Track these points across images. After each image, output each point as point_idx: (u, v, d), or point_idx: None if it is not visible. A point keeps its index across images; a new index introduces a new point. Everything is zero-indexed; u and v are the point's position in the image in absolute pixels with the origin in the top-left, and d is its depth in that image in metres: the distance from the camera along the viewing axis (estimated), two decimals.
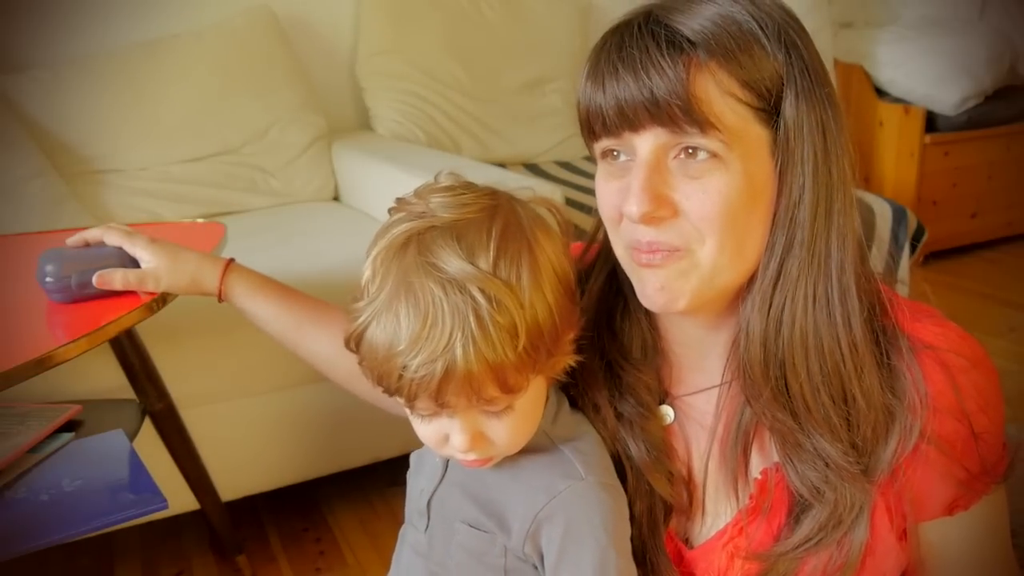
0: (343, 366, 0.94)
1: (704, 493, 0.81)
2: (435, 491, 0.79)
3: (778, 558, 0.74)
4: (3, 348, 0.97)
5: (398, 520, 0.86)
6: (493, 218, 0.69)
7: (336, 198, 2.43)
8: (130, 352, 1.47)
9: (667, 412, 0.82)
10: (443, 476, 0.79)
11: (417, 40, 2.61)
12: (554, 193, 1.91)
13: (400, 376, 0.66)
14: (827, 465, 0.72)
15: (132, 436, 1.30)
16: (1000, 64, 3.26)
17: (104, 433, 1.26)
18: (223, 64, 2.29)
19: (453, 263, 0.65)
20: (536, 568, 0.74)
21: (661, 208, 0.69)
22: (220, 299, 1.00)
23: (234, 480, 1.73)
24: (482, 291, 0.64)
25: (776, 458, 0.76)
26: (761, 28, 0.69)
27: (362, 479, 1.93)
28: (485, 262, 0.65)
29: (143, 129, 2.18)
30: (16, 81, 2.11)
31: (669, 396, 0.83)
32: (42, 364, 0.94)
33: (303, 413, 1.77)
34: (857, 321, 0.72)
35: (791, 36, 0.70)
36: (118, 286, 1.00)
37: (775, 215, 0.71)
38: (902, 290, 2.15)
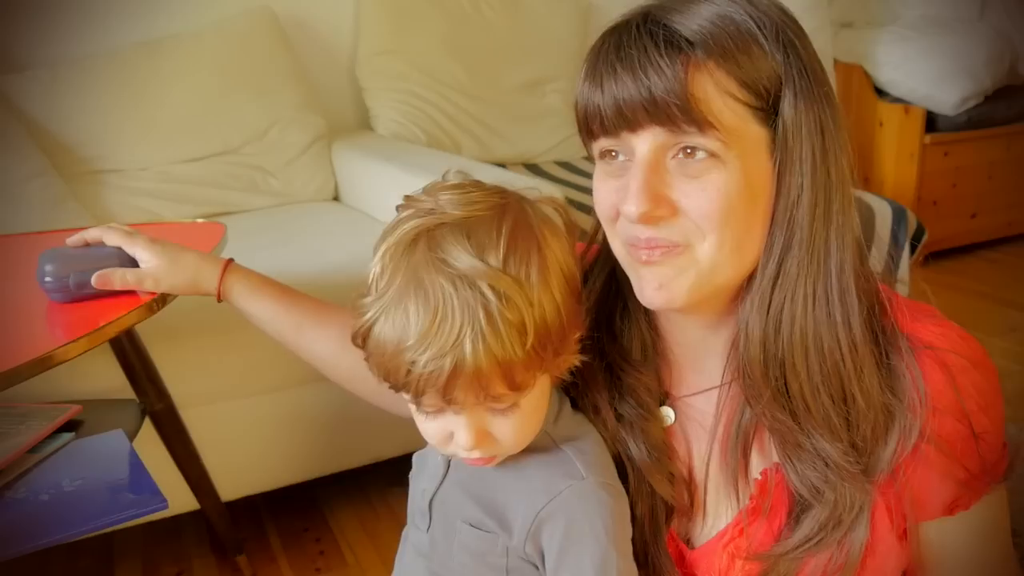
0: (344, 366, 0.94)
1: (705, 494, 0.81)
2: (437, 491, 0.79)
3: (778, 558, 0.74)
4: (3, 348, 0.97)
5: (398, 520, 0.86)
6: (503, 216, 0.69)
7: (336, 198, 2.43)
8: (130, 352, 1.47)
9: (667, 413, 0.82)
10: (445, 476, 0.79)
11: (417, 40, 2.61)
12: (554, 193, 1.91)
13: (408, 372, 0.66)
14: (827, 465, 0.72)
15: (132, 436, 1.30)
16: (1000, 64, 3.26)
17: (104, 433, 1.26)
18: (223, 64, 2.29)
19: (463, 259, 0.65)
20: (537, 568, 0.74)
21: (659, 208, 0.69)
22: (219, 299, 1.00)
23: (234, 480, 1.73)
24: (492, 287, 0.64)
25: (776, 458, 0.76)
26: (759, 28, 0.69)
27: (362, 479, 1.93)
28: (495, 259, 0.66)
29: (143, 129, 2.18)
30: (16, 81, 2.11)
31: (669, 397, 0.83)
32: (42, 364, 0.94)
33: (303, 413, 1.77)
34: (857, 321, 0.72)
35: (789, 36, 0.70)
36: (117, 286, 1.00)
37: (774, 214, 0.72)
38: (902, 290, 2.15)
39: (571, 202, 2.25)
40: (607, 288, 0.83)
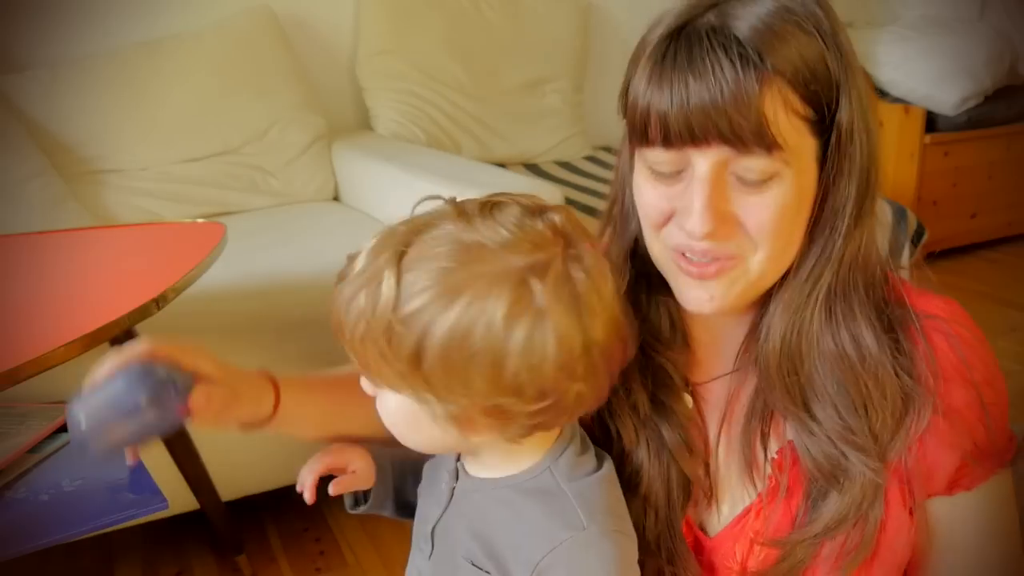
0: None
1: (721, 480, 0.81)
2: (440, 519, 0.78)
3: (796, 545, 0.75)
4: (3, 348, 0.97)
5: (398, 520, 0.86)
6: (521, 251, 0.63)
7: (336, 198, 2.43)
8: None
9: (686, 399, 0.83)
10: (448, 505, 0.77)
11: (417, 40, 2.61)
12: (554, 193, 1.91)
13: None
14: (844, 455, 0.73)
15: None
16: (1000, 64, 3.26)
17: None
18: (223, 64, 2.29)
19: (413, 246, 0.65)
20: None
21: (724, 226, 0.69)
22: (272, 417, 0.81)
23: (234, 480, 1.73)
24: (387, 269, 0.65)
25: (790, 436, 0.77)
26: (822, 37, 0.68)
27: None
28: (415, 257, 0.65)
29: (143, 129, 2.18)
30: (16, 81, 2.11)
31: (688, 383, 0.83)
32: (42, 364, 0.94)
33: None
34: (874, 318, 0.73)
35: (840, 39, 0.69)
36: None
37: (818, 220, 0.72)
38: None
39: (571, 202, 2.26)
40: (627, 273, 0.82)
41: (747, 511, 0.78)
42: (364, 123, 2.64)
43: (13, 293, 1.18)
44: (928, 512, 0.78)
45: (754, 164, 0.67)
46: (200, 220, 1.87)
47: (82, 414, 0.69)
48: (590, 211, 2.24)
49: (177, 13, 2.35)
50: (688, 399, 0.82)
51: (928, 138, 3.16)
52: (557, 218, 0.67)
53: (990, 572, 0.78)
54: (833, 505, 0.73)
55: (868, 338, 0.73)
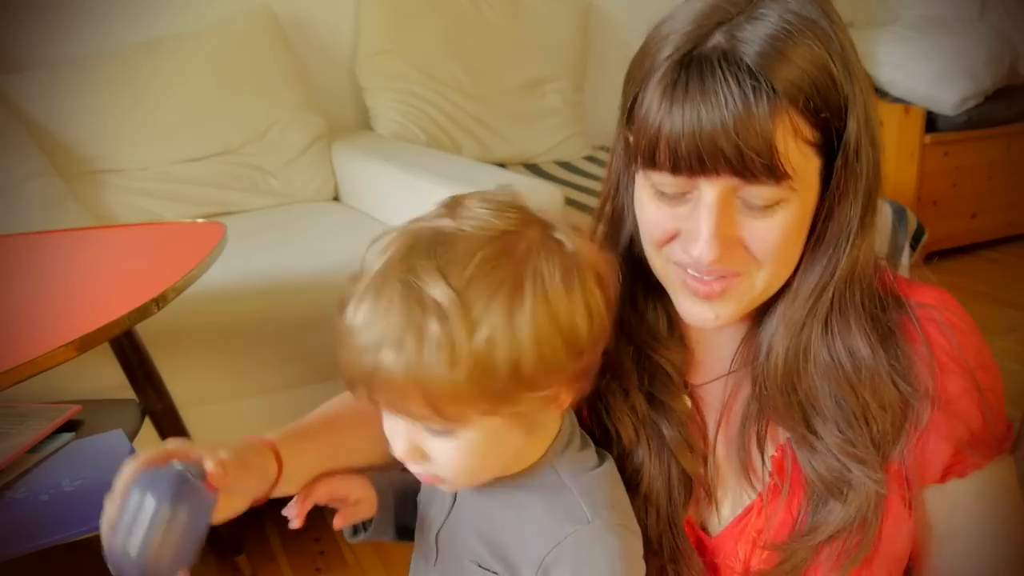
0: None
1: (721, 480, 0.81)
2: (443, 525, 0.77)
3: (797, 549, 0.75)
4: (3, 348, 0.97)
5: (399, 543, 0.85)
6: (495, 241, 0.65)
7: (336, 198, 2.43)
8: (130, 352, 1.47)
9: (685, 399, 0.83)
10: (451, 510, 0.77)
11: (417, 40, 2.61)
12: (554, 194, 1.91)
13: (346, 354, 0.64)
14: (846, 468, 0.73)
15: (132, 436, 1.31)
16: (1000, 64, 3.26)
17: (104, 433, 1.27)
18: (223, 64, 2.29)
19: (426, 271, 0.63)
20: None
21: (730, 251, 0.69)
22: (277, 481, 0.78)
23: None
24: (437, 305, 0.61)
25: (783, 441, 0.77)
26: (828, 51, 0.67)
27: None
28: (457, 279, 0.62)
29: (143, 129, 2.18)
30: (16, 81, 2.11)
31: (687, 384, 0.83)
32: (42, 364, 0.94)
33: (303, 413, 1.76)
34: (869, 327, 0.73)
35: (848, 53, 0.69)
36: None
37: (821, 238, 0.72)
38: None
39: (571, 202, 2.25)
40: (624, 272, 0.82)
41: (748, 511, 0.79)
42: (364, 123, 2.64)
43: (13, 293, 1.18)
44: (925, 501, 0.78)
45: (762, 192, 0.67)
46: (200, 220, 1.87)
47: (122, 544, 0.63)
48: (590, 211, 2.23)
49: (177, 13, 2.35)
50: (686, 399, 0.82)
51: (928, 138, 3.16)
52: (503, 197, 0.69)
53: (993, 560, 0.77)
54: (835, 514, 0.74)
55: (863, 350, 0.73)
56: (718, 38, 0.66)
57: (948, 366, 0.74)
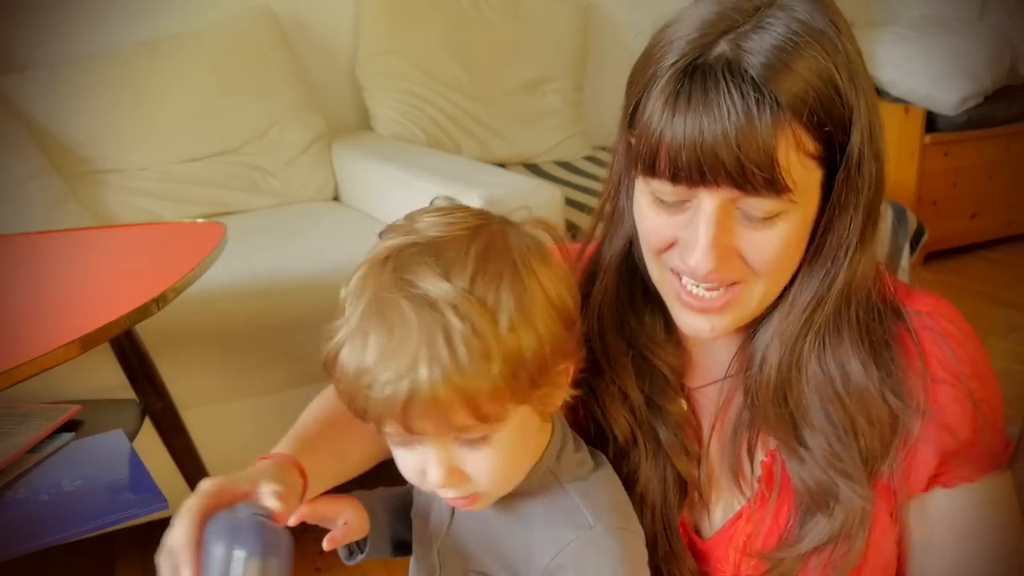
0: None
1: (713, 483, 0.81)
2: (443, 539, 0.77)
3: (783, 560, 0.75)
4: (3, 348, 0.97)
5: (396, 558, 0.85)
6: (475, 237, 0.65)
7: (336, 198, 2.43)
8: (130, 352, 1.47)
9: (681, 402, 0.83)
10: (450, 523, 0.76)
11: (417, 40, 2.61)
12: (554, 194, 1.91)
13: (366, 397, 0.62)
14: (834, 482, 0.73)
15: (132, 436, 1.31)
16: (1000, 64, 3.26)
17: (104, 433, 1.27)
18: (223, 64, 2.29)
19: (427, 280, 0.62)
20: None
21: (726, 259, 0.69)
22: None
23: None
24: (455, 309, 0.60)
25: (773, 446, 0.77)
26: (834, 61, 0.66)
27: (362, 480, 1.92)
28: (462, 280, 0.62)
29: (143, 129, 2.18)
30: (16, 81, 2.11)
31: (684, 388, 0.83)
32: (42, 364, 0.94)
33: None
34: (863, 340, 0.73)
35: (855, 65, 0.68)
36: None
37: (819, 250, 0.71)
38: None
39: (571, 202, 2.25)
40: (623, 273, 0.82)
41: (738, 516, 0.79)
42: (364, 123, 2.64)
43: (13, 293, 1.18)
44: (910, 510, 0.77)
45: (762, 204, 0.67)
46: (200, 220, 1.86)
47: None
48: (590, 211, 2.23)
49: (177, 13, 2.35)
50: (683, 402, 0.82)
51: (928, 138, 3.16)
52: (442, 203, 0.70)
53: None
54: (821, 526, 0.73)
55: (854, 364, 0.72)
56: (723, 47, 0.65)
57: (939, 374, 0.73)
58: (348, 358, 0.63)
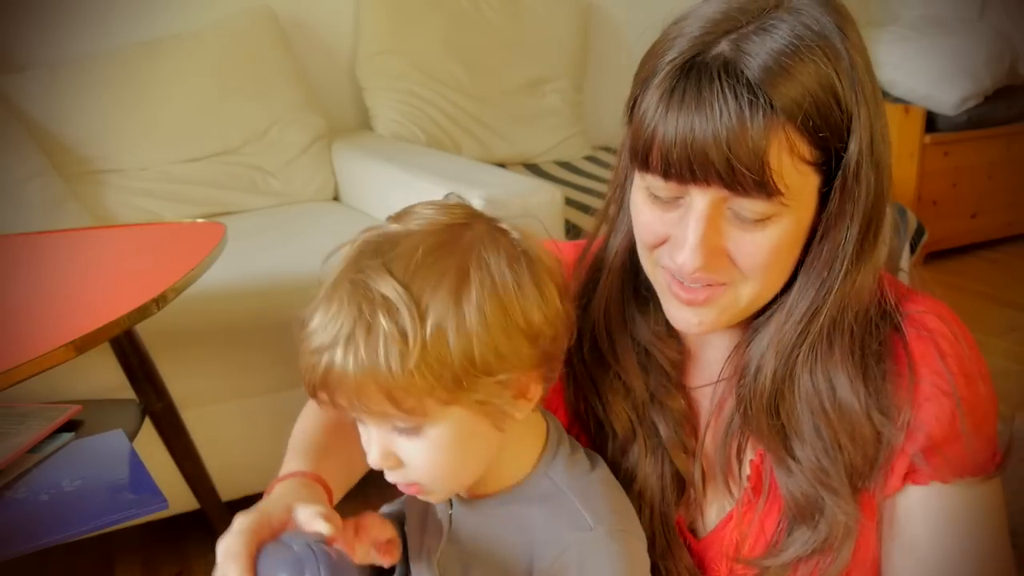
0: None
1: (708, 483, 0.81)
2: (441, 549, 0.76)
3: (768, 566, 0.75)
4: (3, 348, 0.97)
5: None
6: (439, 234, 0.66)
7: (336, 198, 2.43)
8: (130, 352, 1.47)
9: (680, 400, 0.83)
10: (448, 533, 0.76)
11: (417, 40, 2.61)
12: (554, 194, 1.91)
13: (303, 361, 0.65)
14: (820, 496, 0.72)
15: (132, 436, 1.31)
16: (1000, 64, 3.27)
17: (104, 433, 1.27)
18: (223, 64, 2.29)
19: (373, 270, 0.64)
20: None
21: (715, 259, 0.69)
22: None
23: (234, 480, 1.73)
24: (384, 299, 0.62)
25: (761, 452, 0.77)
26: (836, 69, 0.66)
27: (361, 480, 1.92)
28: (402, 275, 0.63)
29: (143, 129, 2.18)
30: (16, 81, 2.11)
31: (683, 385, 0.83)
32: (42, 364, 0.94)
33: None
34: (855, 355, 0.72)
35: (859, 74, 0.67)
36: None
37: (816, 258, 0.71)
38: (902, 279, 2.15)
39: (571, 202, 2.25)
40: (628, 270, 0.81)
41: (729, 517, 0.79)
42: (364, 123, 2.64)
43: (13, 293, 1.18)
44: (884, 509, 0.76)
45: (753, 206, 0.66)
46: (200, 220, 1.87)
47: None
48: (590, 211, 2.24)
49: (177, 13, 2.35)
50: (682, 399, 0.82)
51: (928, 138, 3.16)
52: (450, 200, 0.72)
53: None
54: (805, 537, 0.73)
55: (841, 379, 0.71)
56: (723, 47, 0.65)
57: (922, 372, 0.72)
58: (301, 326, 0.66)
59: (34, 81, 2.12)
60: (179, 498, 1.62)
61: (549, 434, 0.75)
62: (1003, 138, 3.32)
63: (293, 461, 0.77)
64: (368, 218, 2.18)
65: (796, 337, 0.72)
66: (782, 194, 0.65)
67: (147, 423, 1.49)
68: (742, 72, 0.64)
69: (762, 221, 0.67)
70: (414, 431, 0.66)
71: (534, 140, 2.78)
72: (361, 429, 0.70)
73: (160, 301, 1.07)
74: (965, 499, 0.74)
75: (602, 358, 0.81)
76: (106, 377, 1.51)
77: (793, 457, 0.73)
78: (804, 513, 0.73)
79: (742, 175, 0.64)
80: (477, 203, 1.60)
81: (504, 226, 0.70)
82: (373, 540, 0.74)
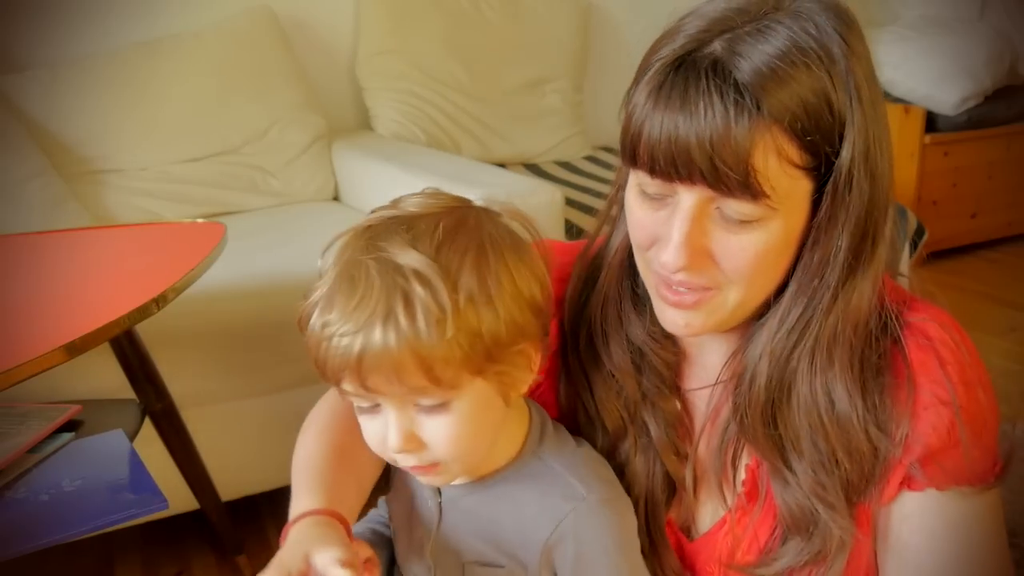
0: None
1: (702, 486, 0.81)
2: (434, 538, 0.77)
3: (761, 575, 0.75)
4: (3, 348, 0.97)
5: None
6: (448, 215, 0.69)
7: (336, 198, 2.43)
8: (130, 352, 1.47)
9: (675, 402, 0.83)
10: (439, 521, 0.77)
11: (417, 40, 2.61)
12: (554, 194, 1.91)
13: (326, 349, 0.65)
14: (816, 509, 0.72)
15: (132, 436, 1.31)
16: (1000, 64, 3.26)
17: (104, 433, 1.27)
18: (223, 64, 2.29)
19: (397, 246, 0.65)
20: None
21: (698, 260, 0.68)
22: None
23: (234, 480, 1.73)
24: (416, 273, 0.64)
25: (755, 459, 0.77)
26: (831, 75, 0.65)
27: None
28: (428, 249, 0.65)
29: (143, 129, 2.18)
30: (16, 81, 2.11)
31: (679, 388, 0.83)
32: (42, 364, 0.94)
33: (303, 413, 1.76)
34: (855, 367, 0.71)
35: (858, 81, 0.66)
36: None
37: (807, 267, 0.70)
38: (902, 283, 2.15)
39: (571, 202, 2.25)
40: (626, 269, 0.81)
41: (722, 522, 0.79)
42: (364, 123, 2.64)
43: (13, 293, 1.18)
44: (880, 516, 0.76)
45: (739, 207, 0.66)
46: (200, 220, 1.86)
47: None
48: (590, 211, 2.24)
49: (177, 13, 2.35)
50: (676, 402, 0.82)
51: (928, 138, 3.16)
52: (428, 190, 0.74)
53: None
54: (799, 548, 0.73)
55: (840, 391, 0.71)
56: (716, 46, 0.65)
57: (920, 381, 0.72)
58: (317, 315, 0.67)
59: (34, 81, 2.12)
60: (179, 498, 1.62)
61: (532, 418, 0.77)
62: (1003, 138, 3.32)
63: (304, 498, 0.76)
64: None
65: (790, 346, 0.71)
66: (768, 196, 0.65)
67: (147, 423, 1.49)
68: (730, 73, 0.64)
69: (749, 223, 0.67)
70: (441, 408, 0.67)
71: (534, 140, 2.78)
72: (369, 421, 0.70)
73: (160, 301, 1.07)
74: (962, 508, 0.74)
75: (597, 355, 0.81)
76: (106, 377, 1.51)
77: (790, 469, 0.73)
78: (799, 525, 0.73)
79: (726, 175, 0.64)
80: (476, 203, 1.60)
81: (496, 208, 0.73)
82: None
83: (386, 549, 0.85)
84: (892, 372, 0.73)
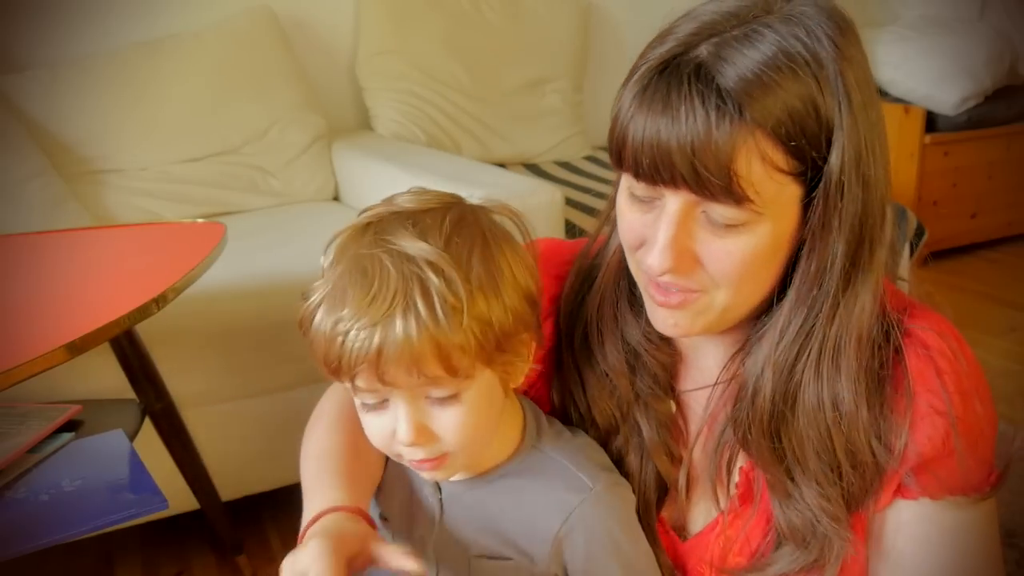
0: None
1: (696, 487, 0.81)
2: (435, 535, 0.77)
3: None
4: (3, 348, 0.97)
5: None
6: (449, 210, 0.70)
7: (336, 198, 2.43)
8: (130, 352, 1.47)
9: (670, 404, 0.83)
10: (441, 516, 0.77)
11: (417, 40, 2.61)
12: (554, 194, 1.91)
13: (342, 346, 0.64)
14: (817, 520, 0.72)
15: (132, 436, 1.31)
16: (1000, 64, 3.26)
17: (104, 433, 1.27)
18: (223, 64, 2.29)
19: (406, 239, 0.66)
20: None
21: (684, 263, 0.68)
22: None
23: (234, 480, 1.73)
24: (430, 264, 0.64)
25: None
26: (819, 81, 0.64)
27: None
28: (437, 241, 0.66)
29: (143, 129, 2.18)
30: (16, 81, 2.11)
31: (673, 391, 0.83)
32: (42, 364, 0.94)
33: (303, 413, 1.76)
34: (860, 379, 0.71)
35: (848, 87, 0.65)
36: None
37: (805, 275, 0.70)
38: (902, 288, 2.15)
39: (571, 202, 2.25)
40: (622, 270, 0.81)
41: (715, 523, 0.79)
42: (364, 123, 2.64)
43: (13, 293, 1.18)
44: (873, 523, 0.76)
45: (724, 211, 0.66)
46: (200, 220, 1.86)
47: None
48: (590, 211, 2.24)
49: (177, 13, 2.35)
50: (671, 403, 0.82)
51: (928, 138, 3.16)
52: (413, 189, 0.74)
53: None
54: (794, 555, 0.73)
55: (846, 404, 0.70)
56: (702, 50, 0.65)
57: (917, 389, 0.71)
58: (326, 313, 0.66)
59: (34, 81, 2.12)
60: (179, 498, 1.62)
61: (525, 412, 0.78)
62: (1003, 138, 3.32)
63: (325, 493, 0.74)
64: None
65: (793, 356, 0.71)
66: (752, 201, 0.64)
67: (147, 423, 1.49)
68: (713, 78, 0.63)
69: (735, 227, 0.66)
70: (452, 399, 0.68)
71: (534, 140, 2.78)
72: (374, 417, 0.70)
73: (160, 301, 1.07)
74: (956, 517, 0.74)
75: (591, 354, 0.82)
76: (106, 377, 1.51)
77: (793, 482, 0.72)
78: (796, 536, 0.73)
79: (708, 180, 0.64)
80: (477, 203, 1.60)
81: (487, 205, 0.74)
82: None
83: None
84: (893, 383, 0.72)
